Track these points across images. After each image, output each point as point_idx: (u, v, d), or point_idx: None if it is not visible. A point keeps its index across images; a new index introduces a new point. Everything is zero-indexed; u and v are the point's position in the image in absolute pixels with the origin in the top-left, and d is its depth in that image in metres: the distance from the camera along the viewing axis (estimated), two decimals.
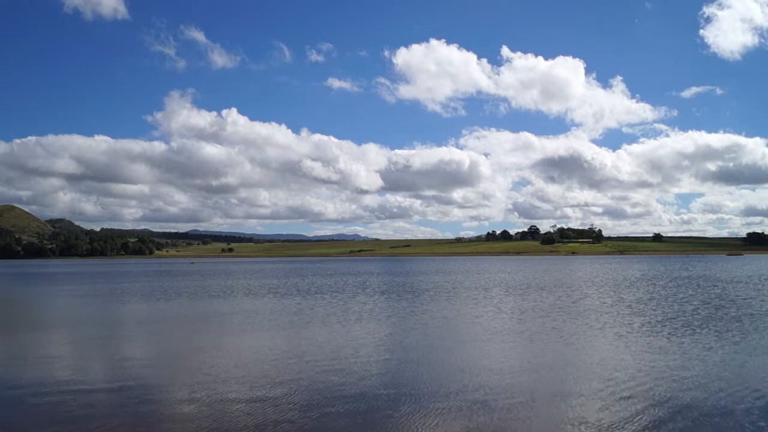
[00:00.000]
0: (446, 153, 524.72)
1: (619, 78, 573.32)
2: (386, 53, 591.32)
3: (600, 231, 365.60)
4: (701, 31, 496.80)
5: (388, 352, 20.03)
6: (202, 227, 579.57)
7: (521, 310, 33.19)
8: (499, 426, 11.58)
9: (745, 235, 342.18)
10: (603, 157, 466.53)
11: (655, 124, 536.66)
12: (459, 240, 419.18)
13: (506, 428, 11.46)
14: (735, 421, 11.66)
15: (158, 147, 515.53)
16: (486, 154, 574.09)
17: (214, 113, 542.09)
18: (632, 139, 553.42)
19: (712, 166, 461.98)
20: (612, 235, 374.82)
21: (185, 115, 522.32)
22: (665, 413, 12.23)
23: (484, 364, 18.01)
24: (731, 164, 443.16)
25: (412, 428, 11.45)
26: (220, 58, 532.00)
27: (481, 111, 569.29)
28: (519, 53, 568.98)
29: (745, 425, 11.38)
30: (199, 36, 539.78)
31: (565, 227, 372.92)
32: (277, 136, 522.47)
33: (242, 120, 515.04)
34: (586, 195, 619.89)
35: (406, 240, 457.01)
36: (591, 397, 13.59)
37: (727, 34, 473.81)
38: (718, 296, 40.56)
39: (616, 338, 22.27)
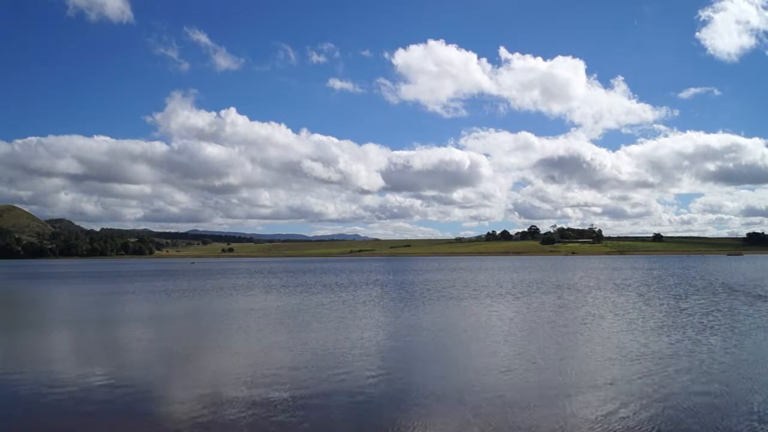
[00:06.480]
0: (446, 153, 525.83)
1: (621, 78, 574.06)
2: (386, 54, 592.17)
3: (600, 231, 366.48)
4: (697, 34, 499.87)
5: (440, 349, 20.52)
6: (202, 227, 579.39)
7: (553, 307, 33.68)
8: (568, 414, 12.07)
9: (744, 235, 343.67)
10: (603, 158, 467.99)
11: (654, 125, 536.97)
12: (459, 240, 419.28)
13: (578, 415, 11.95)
14: None
15: (159, 147, 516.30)
16: (486, 155, 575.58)
17: (214, 113, 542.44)
18: (631, 139, 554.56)
19: (711, 167, 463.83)
20: (612, 235, 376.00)
21: (185, 116, 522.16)
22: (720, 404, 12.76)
23: (543, 357, 18.50)
24: (731, 164, 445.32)
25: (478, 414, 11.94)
26: (223, 60, 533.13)
27: (481, 111, 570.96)
28: (517, 54, 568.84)
29: None
30: (202, 38, 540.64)
31: (565, 227, 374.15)
32: (277, 136, 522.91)
33: (241, 120, 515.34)
34: (586, 195, 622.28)
35: (406, 240, 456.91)
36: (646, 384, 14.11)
37: (723, 36, 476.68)
38: (741, 292, 41.15)
39: (653, 331, 22.81)
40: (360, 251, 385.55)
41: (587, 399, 12.81)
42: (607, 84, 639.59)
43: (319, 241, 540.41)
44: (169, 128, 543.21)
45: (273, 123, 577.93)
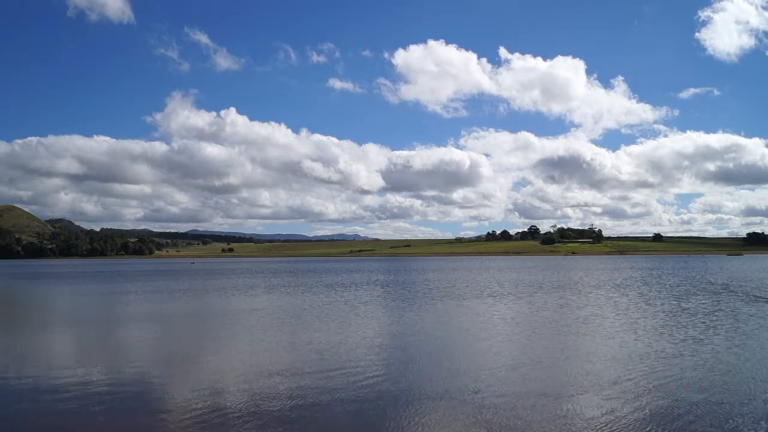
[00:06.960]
0: (446, 153, 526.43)
1: (621, 78, 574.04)
2: (386, 54, 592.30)
3: (600, 231, 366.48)
4: (697, 34, 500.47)
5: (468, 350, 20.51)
6: (202, 227, 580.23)
7: (555, 306, 33.70)
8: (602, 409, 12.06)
9: (744, 236, 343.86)
10: (603, 158, 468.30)
11: (654, 125, 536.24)
12: (459, 240, 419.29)
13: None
14: None
15: (159, 147, 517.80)
16: (486, 155, 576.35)
17: (213, 113, 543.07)
18: (631, 139, 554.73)
19: (711, 167, 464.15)
20: (612, 235, 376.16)
21: (185, 116, 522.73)
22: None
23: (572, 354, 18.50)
24: (731, 164, 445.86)
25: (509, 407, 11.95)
26: (224, 60, 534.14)
27: (480, 112, 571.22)
28: (517, 54, 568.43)
29: None
30: (202, 38, 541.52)
31: (565, 227, 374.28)
32: (277, 136, 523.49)
33: (241, 120, 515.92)
34: (586, 195, 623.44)
35: (406, 240, 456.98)
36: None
37: (723, 36, 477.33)
38: (743, 293, 41.15)
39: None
40: (360, 251, 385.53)
41: (592, 398, 12.80)
42: (607, 84, 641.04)
43: (319, 241, 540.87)
44: (169, 128, 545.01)
45: (273, 123, 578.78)
